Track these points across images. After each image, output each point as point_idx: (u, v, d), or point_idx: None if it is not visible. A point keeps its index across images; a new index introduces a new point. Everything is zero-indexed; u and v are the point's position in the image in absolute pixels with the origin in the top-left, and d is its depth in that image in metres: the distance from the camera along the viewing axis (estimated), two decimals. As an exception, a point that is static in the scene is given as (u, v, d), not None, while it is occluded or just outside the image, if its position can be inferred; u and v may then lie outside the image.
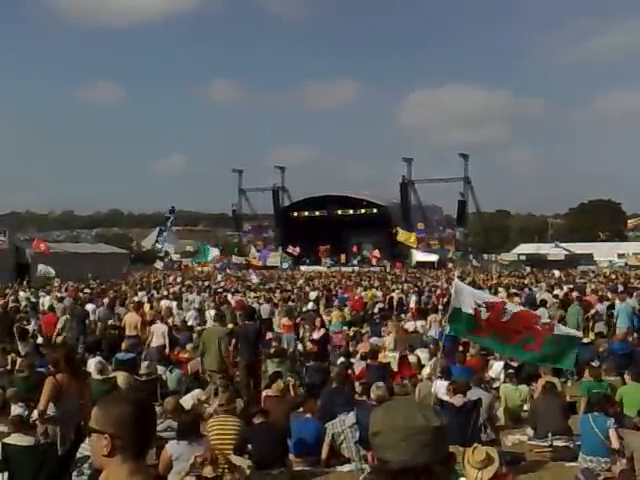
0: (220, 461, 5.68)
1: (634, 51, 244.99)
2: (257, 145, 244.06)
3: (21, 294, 23.62)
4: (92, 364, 10.08)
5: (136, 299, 20.38)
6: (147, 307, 18.42)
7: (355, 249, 65.72)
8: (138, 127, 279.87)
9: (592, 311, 15.74)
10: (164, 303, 19.57)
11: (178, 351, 12.68)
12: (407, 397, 9.34)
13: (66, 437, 5.61)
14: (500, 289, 24.20)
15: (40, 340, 13.84)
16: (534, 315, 7.77)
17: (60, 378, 5.69)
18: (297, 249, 62.31)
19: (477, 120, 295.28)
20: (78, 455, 6.27)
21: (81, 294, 23.56)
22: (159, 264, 59.99)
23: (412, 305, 20.52)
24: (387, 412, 1.64)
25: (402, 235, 57.59)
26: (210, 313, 16.93)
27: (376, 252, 63.04)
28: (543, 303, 16.44)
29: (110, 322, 16.01)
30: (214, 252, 45.36)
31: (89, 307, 17.66)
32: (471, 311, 7.07)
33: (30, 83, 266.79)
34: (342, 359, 11.99)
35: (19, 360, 10.56)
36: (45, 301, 20.24)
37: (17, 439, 5.73)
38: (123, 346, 11.73)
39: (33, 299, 22.18)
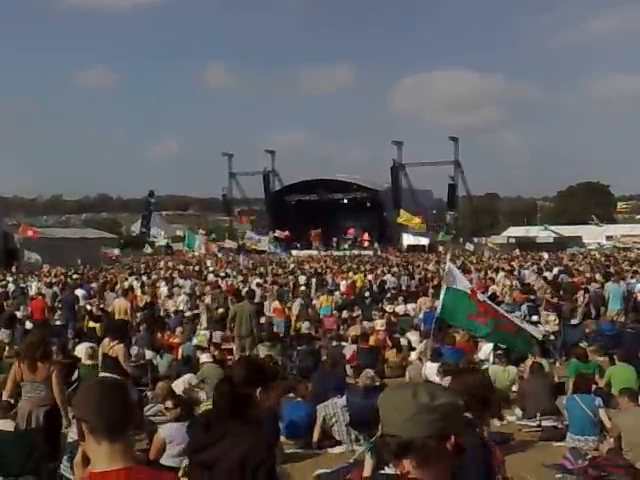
0: None
1: (626, 35, 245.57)
2: (248, 129, 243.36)
3: (9, 279, 23.49)
4: (82, 349, 10.05)
5: (126, 284, 20.31)
6: (139, 292, 18.39)
7: (352, 231, 65.53)
8: (129, 112, 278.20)
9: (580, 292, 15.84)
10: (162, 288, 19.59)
11: (169, 335, 12.67)
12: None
13: (32, 421, 5.69)
14: (489, 272, 24.36)
15: (29, 325, 13.79)
16: (500, 313, 7.67)
17: (22, 364, 5.78)
18: (286, 232, 62.18)
19: (469, 104, 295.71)
20: (69, 440, 6.28)
21: (70, 280, 23.47)
22: (148, 249, 59.72)
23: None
24: (391, 390, 1.80)
25: (404, 216, 57.15)
26: (206, 300, 16.85)
27: (366, 236, 62.97)
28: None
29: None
30: (199, 240, 45.12)
31: (78, 292, 17.58)
32: (467, 290, 7.00)
33: (22, 67, 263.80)
34: (333, 343, 12.04)
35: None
36: (33, 286, 20.13)
37: (5, 425, 5.73)
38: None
39: (22, 284, 22.08)
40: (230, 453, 2.59)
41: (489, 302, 7.44)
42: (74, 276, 25.54)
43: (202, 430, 2.78)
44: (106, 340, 8.34)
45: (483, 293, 11.77)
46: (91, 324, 13.68)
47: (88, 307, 16.11)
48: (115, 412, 1.93)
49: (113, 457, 1.91)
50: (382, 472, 1.70)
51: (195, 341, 12.04)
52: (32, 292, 18.97)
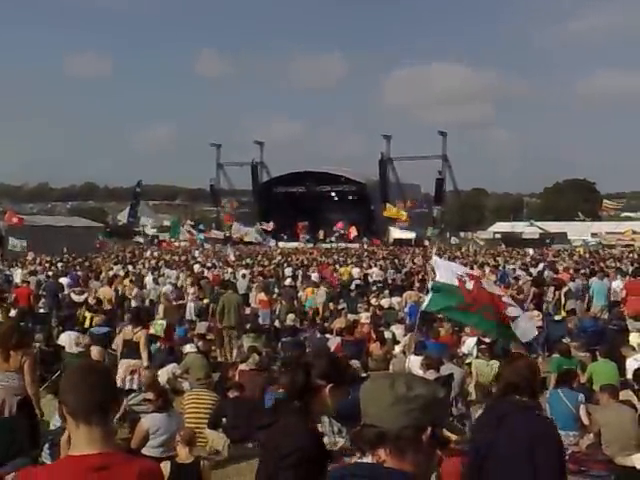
0: (197, 442, 5.67)
1: (616, 33, 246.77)
2: (238, 119, 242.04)
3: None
4: (66, 337, 10.00)
5: (111, 273, 20.17)
6: (127, 281, 18.22)
7: (341, 225, 65.65)
8: (118, 99, 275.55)
9: (564, 289, 15.98)
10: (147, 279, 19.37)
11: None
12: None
13: (5, 410, 5.57)
14: (474, 267, 24.44)
15: (13, 313, 13.63)
16: (504, 303, 7.61)
17: None
18: (271, 224, 61.95)
19: (459, 99, 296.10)
20: (52, 428, 6.25)
21: (55, 268, 23.27)
22: (140, 239, 59.23)
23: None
24: (370, 381, 1.81)
25: (389, 210, 57.41)
26: (189, 290, 16.67)
27: (353, 229, 63.05)
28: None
29: (85, 296, 15.81)
30: (183, 231, 45.02)
31: (63, 280, 17.44)
32: (456, 282, 6.93)
33: (10, 51, 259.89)
34: (318, 335, 12.06)
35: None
36: (18, 274, 19.93)
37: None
38: (97, 320, 11.62)
39: (7, 272, 21.85)
40: (272, 438, 2.65)
41: (482, 288, 7.31)
42: (59, 264, 25.33)
43: (267, 411, 2.90)
44: (129, 327, 8.58)
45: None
46: (86, 314, 13.47)
47: (73, 295, 15.95)
48: (93, 395, 1.91)
49: (91, 441, 1.89)
50: (360, 461, 1.70)
51: (152, 330, 11.85)
52: (17, 280, 18.78)
